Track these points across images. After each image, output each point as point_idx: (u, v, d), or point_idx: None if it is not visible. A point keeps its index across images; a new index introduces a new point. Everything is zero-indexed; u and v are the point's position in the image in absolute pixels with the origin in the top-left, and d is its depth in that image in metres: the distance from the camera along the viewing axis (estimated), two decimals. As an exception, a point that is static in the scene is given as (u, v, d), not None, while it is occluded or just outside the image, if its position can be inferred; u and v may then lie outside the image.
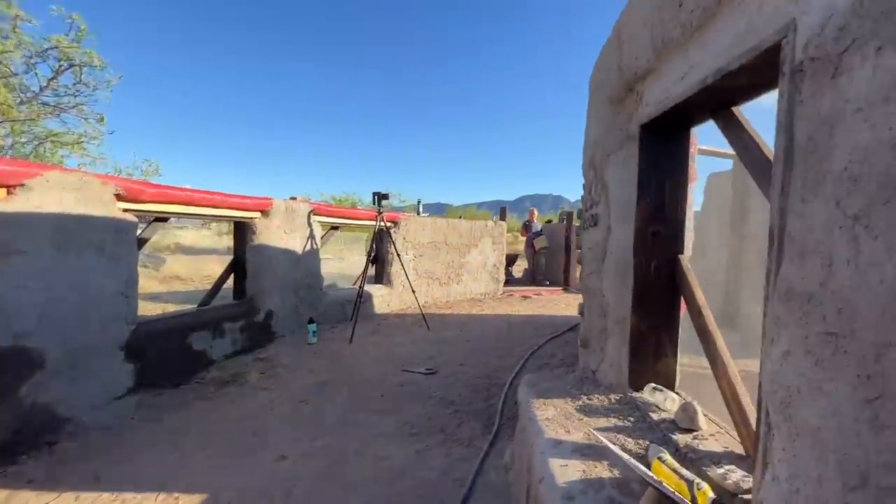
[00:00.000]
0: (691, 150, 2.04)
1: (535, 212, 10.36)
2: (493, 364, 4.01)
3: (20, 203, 2.43)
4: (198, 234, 22.64)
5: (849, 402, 0.81)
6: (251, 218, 4.43)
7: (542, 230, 9.77)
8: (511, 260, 10.41)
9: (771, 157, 1.22)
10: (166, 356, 3.39)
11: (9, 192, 2.39)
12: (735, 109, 1.60)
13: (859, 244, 0.80)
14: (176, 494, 2.05)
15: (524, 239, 10.16)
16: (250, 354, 4.11)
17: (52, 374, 2.56)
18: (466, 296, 7.85)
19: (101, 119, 7.12)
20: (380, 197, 5.22)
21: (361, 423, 2.84)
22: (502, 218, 9.04)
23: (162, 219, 3.71)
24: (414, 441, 2.59)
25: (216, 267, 10.87)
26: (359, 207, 13.97)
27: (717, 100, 1.55)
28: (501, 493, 2.06)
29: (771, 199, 1.07)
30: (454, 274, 7.63)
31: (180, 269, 10.44)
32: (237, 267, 4.57)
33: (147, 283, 9.04)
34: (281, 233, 4.72)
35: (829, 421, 0.85)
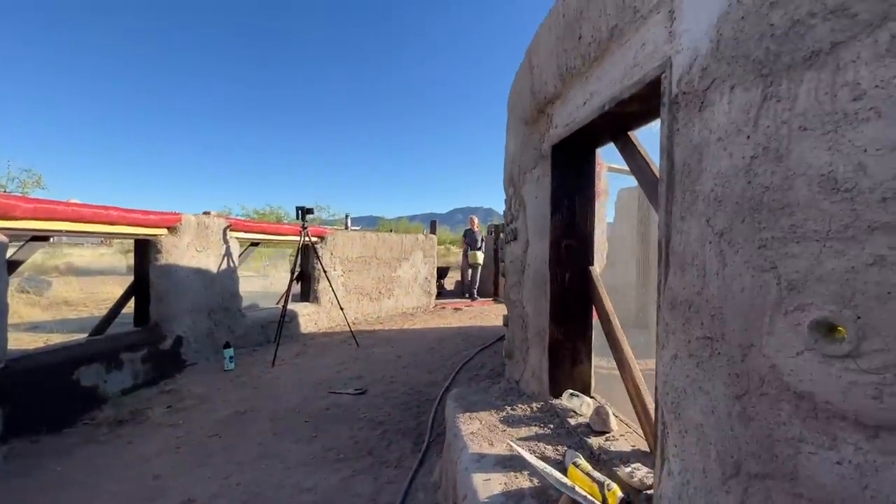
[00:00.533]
0: (598, 168, 2.21)
1: (476, 220, 9.41)
2: (424, 379, 3.97)
3: None
4: (94, 253, 20.16)
5: (723, 398, 0.90)
6: (156, 235, 4.03)
7: (483, 240, 9.13)
8: (442, 272, 10.51)
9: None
10: (46, 397, 2.92)
11: None
12: (631, 134, 1.76)
13: (725, 257, 0.90)
14: (51, 561, 1.75)
15: (460, 251, 10.03)
16: (155, 387, 3.69)
17: None
18: (398, 310, 7.77)
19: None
20: (303, 211, 5.01)
21: (282, 453, 2.66)
22: (433, 231, 9.12)
23: (41, 237, 3.24)
24: (340, 467, 2.47)
25: (116, 290, 9.69)
26: (284, 222, 13.33)
27: (615, 125, 1.70)
28: (430, 513, 2.03)
29: (659, 215, 1.18)
30: (385, 289, 7.52)
31: (70, 294, 9.15)
32: (139, 289, 4.12)
33: (27, 310, 7.81)
34: (192, 251, 4.34)
35: (709, 417, 0.94)
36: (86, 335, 3.79)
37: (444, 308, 8.31)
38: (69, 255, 15.63)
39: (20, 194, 7.64)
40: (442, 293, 9.82)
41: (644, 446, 1.63)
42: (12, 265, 2.99)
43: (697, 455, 0.97)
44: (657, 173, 1.52)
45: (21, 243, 3.26)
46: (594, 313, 2.13)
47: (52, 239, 3.44)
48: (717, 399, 0.92)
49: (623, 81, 1.42)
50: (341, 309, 5.47)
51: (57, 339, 5.44)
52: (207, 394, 3.62)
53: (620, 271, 6.12)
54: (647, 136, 1.81)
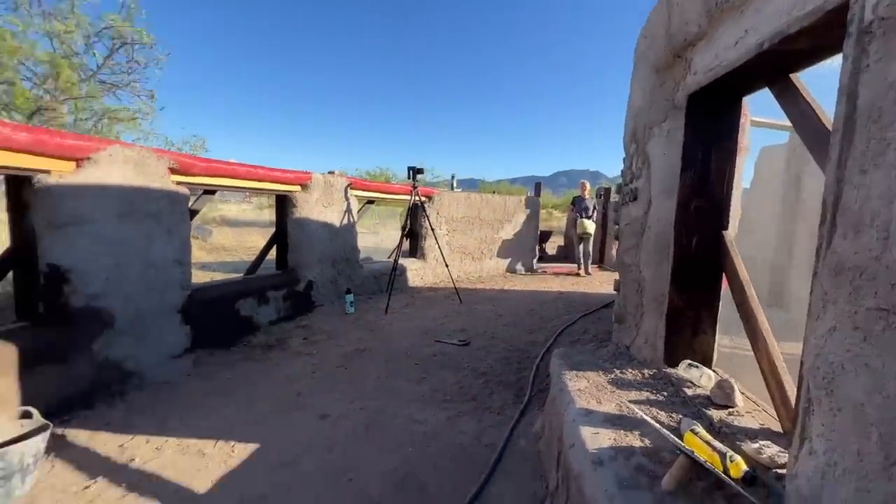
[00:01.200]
0: (742, 120, 1.94)
1: (588, 186, 8.14)
2: (524, 338, 4.05)
3: (87, 175, 2.63)
4: (239, 208, 23.55)
5: (896, 377, 0.80)
6: (291, 191, 4.58)
7: (594, 209, 7.88)
8: (545, 236, 10.28)
9: (829, 127, 1.16)
10: (217, 320, 3.63)
11: (77, 165, 2.59)
12: (793, 76, 1.51)
13: (920, 216, 0.76)
14: (232, 443, 2.25)
15: (563, 215, 9.66)
16: (292, 322, 4.33)
17: (121, 333, 2.81)
18: (499, 271, 7.87)
19: (152, 95, 7.46)
20: (415, 171, 5.25)
21: (396, 388, 2.98)
22: (537, 193, 8.89)
23: (210, 191, 3.91)
24: (447, 407, 2.70)
25: (258, 239, 11.34)
26: (392, 182, 14.08)
27: (774, 66, 1.46)
28: (531, 459, 2.13)
29: (826, 170, 1.02)
30: (487, 249, 7.65)
31: (225, 241, 10.98)
32: (279, 239, 4.77)
33: (196, 252, 9.54)
34: (320, 206, 4.86)
35: (873, 396, 0.84)
36: (241, 275, 4.56)
37: (545, 272, 8.21)
38: (222, 209, 18.55)
39: (193, 154, 9.18)
40: (543, 257, 9.67)
41: (775, 426, 1.49)
42: (191, 214, 3.68)
43: (853, 436, 0.88)
44: (826, 122, 1.30)
45: (195, 197, 3.97)
46: (724, 282, 1.95)
47: (216, 193, 4.13)
48: (887, 377, 0.81)
49: (792, 12, 1.21)
50: (446, 266, 5.73)
51: (220, 276, 6.62)
52: (333, 331, 4.15)
53: (754, 242, 5.38)
54: (813, 79, 1.53)
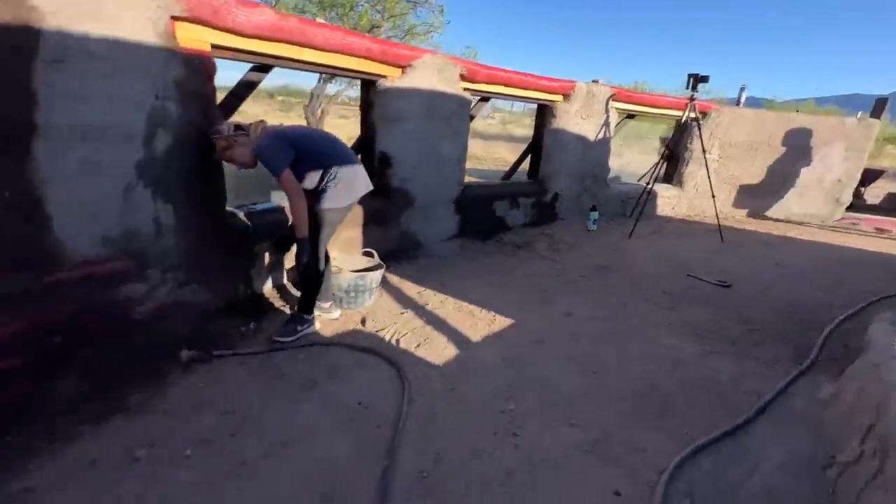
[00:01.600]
0: None
1: None
2: (813, 297, 3.26)
3: (407, 80, 3.24)
4: (485, 123, 25.15)
5: None
6: (553, 101, 4.59)
7: None
8: (870, 177, 7.43)
9: None
10: (478, 216, 4.19)
11: (402, 72, 3.22)
12: None
13: None
14: (493, 313, 2.71)
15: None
16: (537, 228, 4.63)
17: (417, 212, 3.59)
18: (780, 214, 6.28)
19: (441, 10, 8.34)
20: (696, 79, 4.43)
21: (640, 310, 2.91)
22: (876, 114, 6.30)
23: (485, 98, 4.29)
24: (699, 342, 2.51)
25: (504, 152, 12.12)
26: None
27: None
28: (810, 424, 1.82)
29: None
30: (770, 184, 6.12)
31: (476, 151, 12.17)
32: (534, 149, 4.96)
33: (453, 160, 11.01)
34: (578, 118, 4.75)
35: None
36: (492, 181, 5.03)
37: (855, 224, 6.11)
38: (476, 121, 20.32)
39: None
40: (857, 205, 7.12)
41: None
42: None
43: None
44: None
45: (473, 103, 4.43)
46: None
47: (490, 100, 4.51)
48: None
49: None
50: (713, 196, 4.91)
51: (473, 181, 7.50)
52: (575, 244, 4.26)
53: None
54: None
